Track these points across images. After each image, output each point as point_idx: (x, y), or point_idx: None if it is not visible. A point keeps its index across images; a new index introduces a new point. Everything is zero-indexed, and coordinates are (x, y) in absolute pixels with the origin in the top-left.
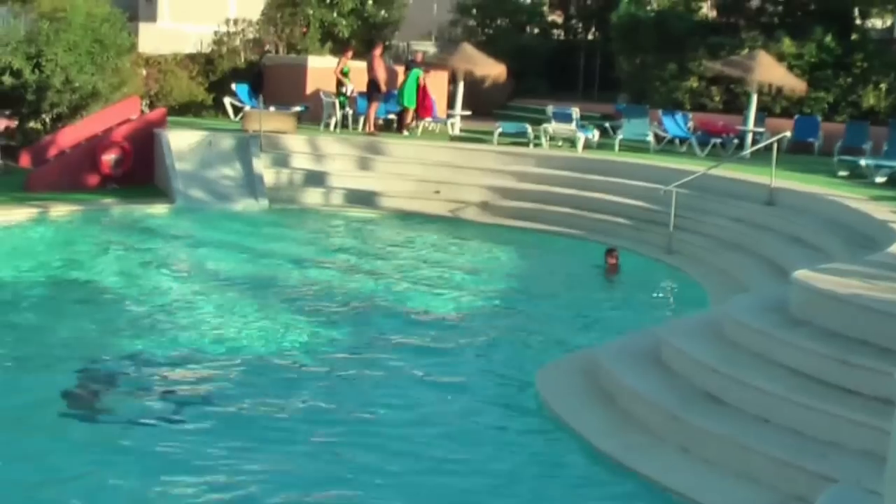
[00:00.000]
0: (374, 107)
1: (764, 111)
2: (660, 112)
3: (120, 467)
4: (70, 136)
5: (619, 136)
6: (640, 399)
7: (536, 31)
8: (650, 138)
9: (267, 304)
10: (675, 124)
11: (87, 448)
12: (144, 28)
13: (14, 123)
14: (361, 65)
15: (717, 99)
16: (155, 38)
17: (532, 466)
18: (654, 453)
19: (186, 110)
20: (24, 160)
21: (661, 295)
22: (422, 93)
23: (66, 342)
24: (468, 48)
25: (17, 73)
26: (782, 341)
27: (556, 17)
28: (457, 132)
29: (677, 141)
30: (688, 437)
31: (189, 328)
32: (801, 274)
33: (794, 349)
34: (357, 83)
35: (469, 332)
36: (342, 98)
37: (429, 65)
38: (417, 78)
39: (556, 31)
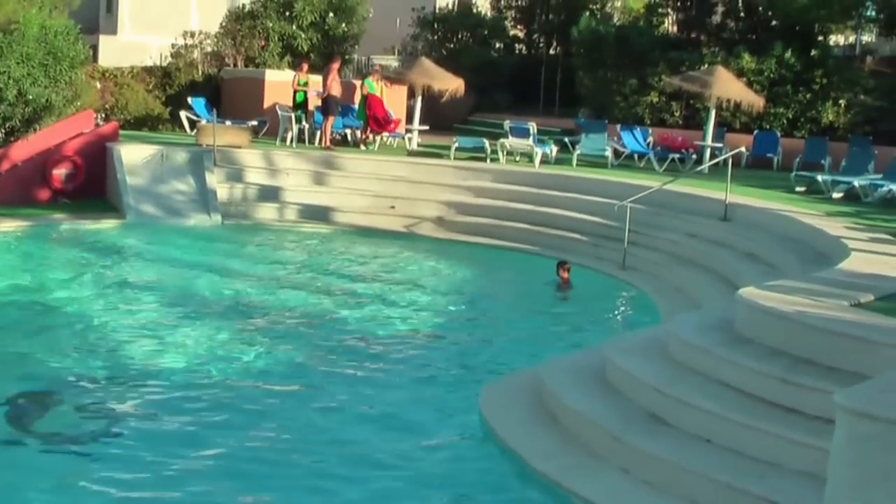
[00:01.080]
0: (331, 121)
1: (724, 126)
2: (618, 127)
3: (52, 490)
4: (22, 150)
5: (577, 152)
6: (582, 419)
7: (499, 45)
8: (608, 153)
9: (213, 321)
10: (633, 139)
11: (14, 469)
12: (105, 41)
13: None
14: (318, 78)
15: (677, 114)
16: (116, 51)
17: (468, 488)
18: (594, 475)
19: (143, 124)
20: None
21: (612, 311)
22: (370, 104)
23: (2, 360)
24: (426, 62)
25: None
26: (725, 360)
27: (519, 32)
28: (415, 147)
29: (636, 156)
30: (629, 458)
31: (132, 346)
32: (747, 291)
33: (737, 368)
34: (313, 97)
35: (415, 348)
36: (298, 113)
37: (388, 78)
38: (363, 87)
39: (518, 46)
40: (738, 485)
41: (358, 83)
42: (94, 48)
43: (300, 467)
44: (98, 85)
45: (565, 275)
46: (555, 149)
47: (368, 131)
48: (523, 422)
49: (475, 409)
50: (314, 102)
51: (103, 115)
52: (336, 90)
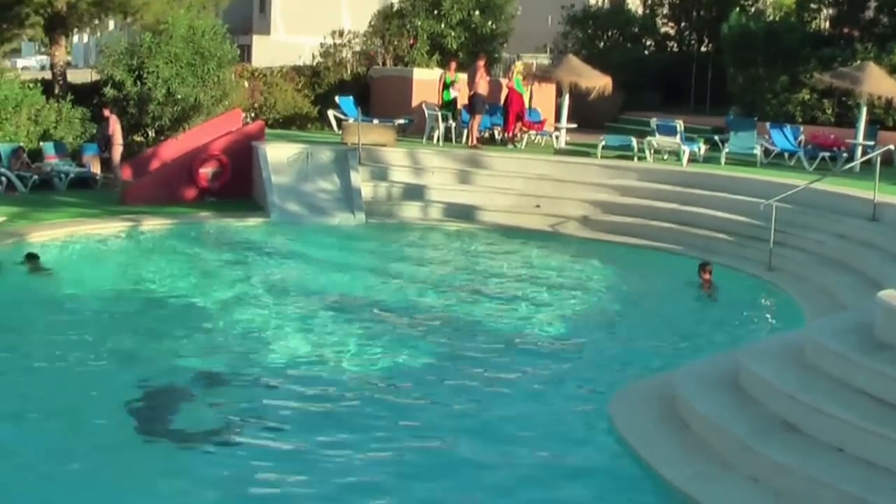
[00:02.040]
0: (477, 119)
1: (877, 124)
2: (768, 125)
3: (185, 487)
4: (171, 148)
5: (726, 150)
6: (712, 426)
7: (649, 42)
8: (758, 151)
9: (353, 320)
10: (783, 137)
11: (148, 465)
12: (258, 41)
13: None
14: (465, 76)
15: (829, 112)
16: (269, 51)
17: (595, 493)
18: (722, 484)
19: (291, 123)
20: (126, 173)
21: (754, 314)
22: (511, 100)
23: (140, 356)
24: (573, 60)
25: (119, 86)
26: (861, 365)
27: (670, 29)
28: (562, 145)
29: (786, 155)
30: (758, 466)
31: (272, 344)
32: (886, 294)
33: (873, 374)
34: (461, 95)
35: (552, 350)
36: (444, 111)
37: (535, 76)
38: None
39: (669, 44)
40: (869, 497)
41: (504, 81)
42: (248, 48)
43: (440, 462)
44: (246, 84)
45: (707, 276)
46: (704, 147)
47: (515, 128)
48: (653, 427)
49: (606, 411)
50: (463, 100)
51: (252, 115)
52: (483, 88)
